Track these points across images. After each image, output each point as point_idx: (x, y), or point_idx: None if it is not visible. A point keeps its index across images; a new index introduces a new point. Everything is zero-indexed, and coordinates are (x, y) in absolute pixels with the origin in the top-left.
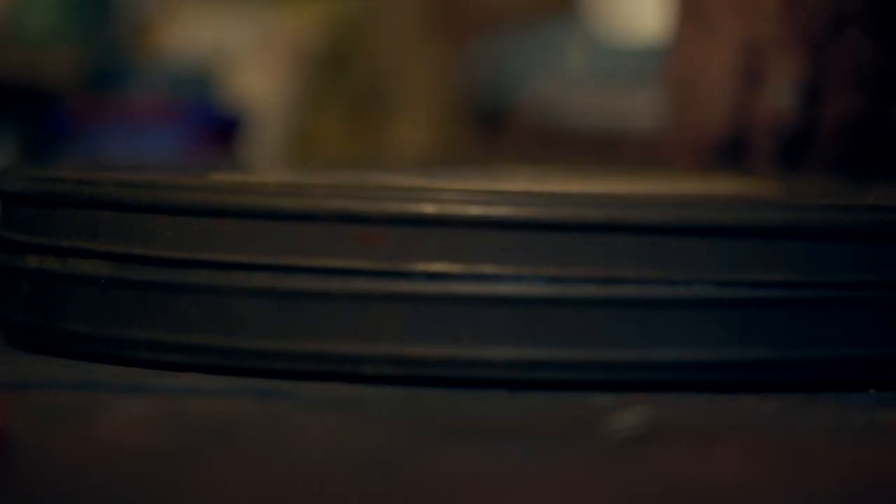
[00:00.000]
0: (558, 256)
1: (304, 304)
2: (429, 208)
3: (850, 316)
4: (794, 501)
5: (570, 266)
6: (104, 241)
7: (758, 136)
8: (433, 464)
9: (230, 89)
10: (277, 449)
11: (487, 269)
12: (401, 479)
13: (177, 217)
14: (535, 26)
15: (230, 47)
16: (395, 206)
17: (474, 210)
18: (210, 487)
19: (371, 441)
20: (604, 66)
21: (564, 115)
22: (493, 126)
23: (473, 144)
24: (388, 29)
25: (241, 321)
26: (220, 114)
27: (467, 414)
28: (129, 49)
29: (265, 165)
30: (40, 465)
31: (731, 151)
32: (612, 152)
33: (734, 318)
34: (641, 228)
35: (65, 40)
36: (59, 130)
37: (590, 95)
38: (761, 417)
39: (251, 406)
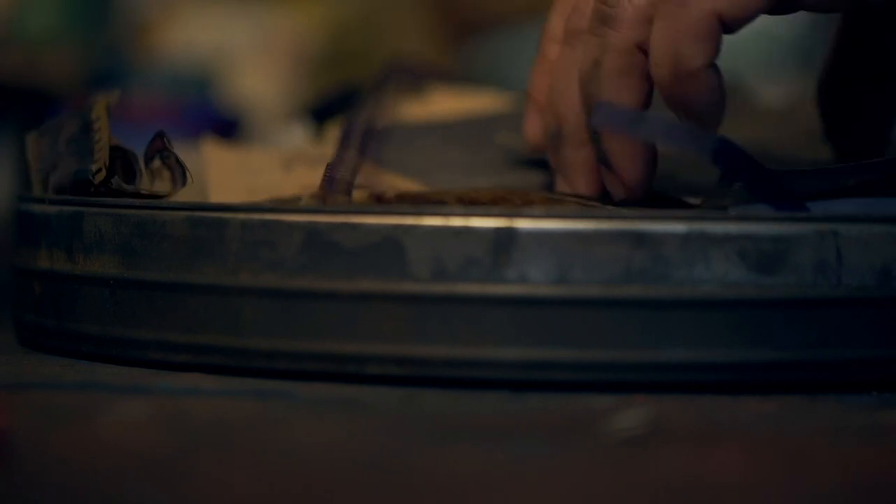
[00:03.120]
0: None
1: (308, 305)
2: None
3: (852, 318)
4: (794, 501)
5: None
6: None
7: None
8: (433, 464)
9: (230, 89)
10: (277, 449)
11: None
12: (401, 479)
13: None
14: (534, 26)
15: (230, 47)
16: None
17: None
18: (210, 487)
19: (371, 441)
20: None
21: None
22: None
23: None
24: (387, 29)
25: (248, 322)
26: (220, 114)
27: (467, 414)
28: (129, 49)
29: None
30: (40, 465)
31: None
32: None
33: (736, 320)
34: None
35: (65, 40)
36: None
37: None
38: (761, 417)
39: (251, 406)
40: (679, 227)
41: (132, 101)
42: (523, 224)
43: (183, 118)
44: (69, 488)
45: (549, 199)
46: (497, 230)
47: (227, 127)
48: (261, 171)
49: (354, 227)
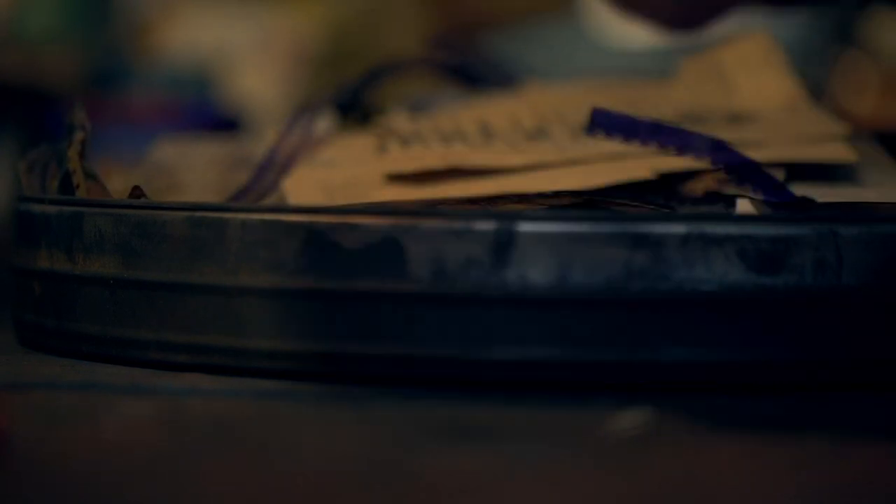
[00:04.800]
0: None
1: (308, 305)
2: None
3: (852, 318)
4: (794, 501)
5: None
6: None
7: None
8: (433, 464)
9: (230, 89)
10: (277, 449)
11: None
12: (400, 479)
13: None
14: (535, 26)
15: (230, 47)
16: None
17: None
18: (210, 487)
19: (371, 441)
20: (603, 66)
21: None
22: None
23: None
24: (387, 29)
25: (248, 322)
26: (220, 114)
27: (467, 414)
28: (129, 49)
29: None
30: (40, 465)
31: None
32: None
33: (736, 320)
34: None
35: (65, 40)
36: (59, 130)
37: None
38: (761, 417)
39: (251, 406)
40: (679, 228)
41: (132, 101)
42: (523, 224)
43: (183, 118)
44: (69, 488)
45: (549, 198)
46: (497, 230)
47: (227, 127)
48: (347, 162)
49: (354, 227)
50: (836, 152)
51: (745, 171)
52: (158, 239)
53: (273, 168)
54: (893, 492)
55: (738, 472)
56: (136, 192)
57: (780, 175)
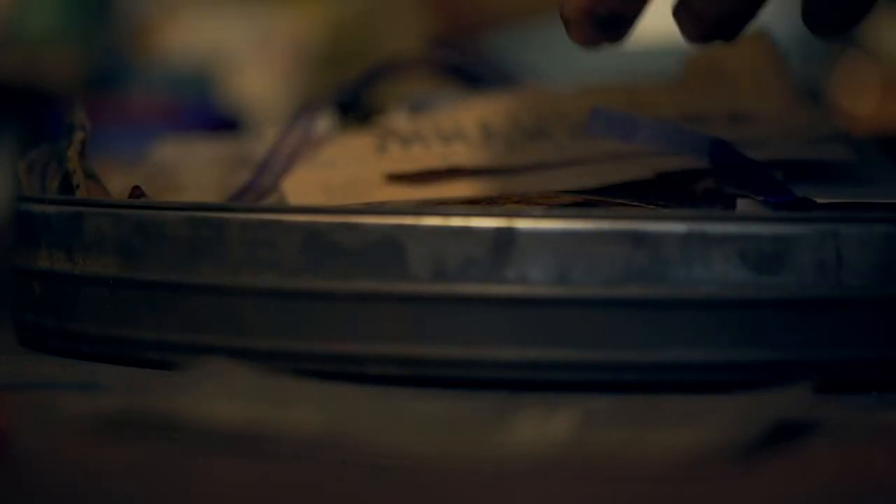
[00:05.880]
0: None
1: (308, 305)
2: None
3: (852, 318)
4: (793, 501)
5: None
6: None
7: None
8: (432, 464)
9: (230, 89)
10: (276, 448)
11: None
12: (399, 479)
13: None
14: (535, 26)
15: (230, 48)
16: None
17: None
18: (209, 487)
19: (370, 441)
20: (604, 66)
21: None
22: None
23: None
24: (386, 29)
25: (248, 322)
26: (220, 114)
27: (466, 414)
28: (129, 49)
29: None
30: (40, 465)
31: None
32: None
33: (736, 320)
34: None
35: (65, 40)
36: (59, 130)
37: None
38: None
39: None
40: (679, 227)
41: (132, 102)
42: (523, 224)
43: (183, 118)
44: (69, 488)
45: (549, 198)
46: (497, 230)
47: (227, 127)
48: (347, 162)
49: (354, 227)
50: (836, 152)
51: (745, 171)
52: (158, 239)
53: (273, 168)
54: (894, 492)
55: (737, 471)
56: (136, 192)
57: (779, 175)
